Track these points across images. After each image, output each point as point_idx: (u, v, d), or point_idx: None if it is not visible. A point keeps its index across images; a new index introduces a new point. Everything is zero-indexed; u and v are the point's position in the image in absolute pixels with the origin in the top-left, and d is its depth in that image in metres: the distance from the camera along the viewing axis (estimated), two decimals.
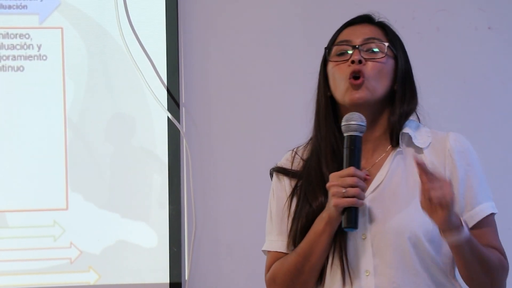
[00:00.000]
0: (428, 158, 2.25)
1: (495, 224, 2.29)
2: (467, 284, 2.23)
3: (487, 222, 2.26)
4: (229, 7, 3.72)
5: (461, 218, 2.13)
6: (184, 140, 3.65)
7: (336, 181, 2.14)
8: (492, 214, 2.28)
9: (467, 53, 3.79)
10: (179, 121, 3.65)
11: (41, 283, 3.59)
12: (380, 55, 2.26)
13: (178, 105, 3.66)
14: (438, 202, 2.07)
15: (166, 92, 3.66)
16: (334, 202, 2.14)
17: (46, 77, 3.61)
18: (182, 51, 3.67)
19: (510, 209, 3.75)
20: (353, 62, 2.24)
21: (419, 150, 2.26)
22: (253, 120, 3.69)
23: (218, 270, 3.68)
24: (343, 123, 2.19)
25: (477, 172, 2.28)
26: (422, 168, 2.09)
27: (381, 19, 2.36)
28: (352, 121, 2.18)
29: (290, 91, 3.64)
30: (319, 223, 2.19)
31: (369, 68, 2.24)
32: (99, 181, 3.63)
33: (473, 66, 3.78)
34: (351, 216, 2.13)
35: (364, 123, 2.19)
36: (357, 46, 2.26)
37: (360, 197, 2.13)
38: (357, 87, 2.23)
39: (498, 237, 2.28)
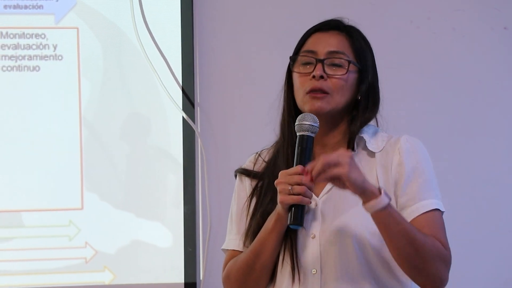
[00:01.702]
0: (377, 161, 2.29)
1: (441, 222, 2.26)
2: (402, 268, 2.20)
3: (429, 216, 2.24)
4: (244, 6, 3.72)
5: (382, 189, 2.12)
6: (199, 139, 3.65)
7: (283, 178, 2.16)
8: (437, 211, 2.25)
9: (483, 53, 3.78)
10: (194, 121, 3.65)
11: (56, 282, 3.60)
12: (342, 71, 2.28)
13: (193, 104, 3.66)
14: (334, 164, 2.09)
15: (181, 91, 3.66)
16: (280, 199, 2.16)
17: (61, 77, 3.62)
18: (197, 50, 3.68)
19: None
20: (314, 76, 2.27)
21: (371, 154, 2.30)
22: (268, 119, 3.68)
23: None
24: (296, 123, 2.23)
25: (425, 172, 2.28)
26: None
27: (350, 23, 2.36)
28: (305, 121, 2.21)
29: None
30: (270, 221, 2.23)
31: (330, 84, 2.27)
32: (114, 181, 3.63)
33: (489, 66, 3.77)
34: (297, 213, 2.15)
35: (317, 124, 2.21)
36: (320, 60, 2.28)
37: (306, 195, 2.14)
38: (317, 99, 2.27)
39: (441, 232, 2.24)
